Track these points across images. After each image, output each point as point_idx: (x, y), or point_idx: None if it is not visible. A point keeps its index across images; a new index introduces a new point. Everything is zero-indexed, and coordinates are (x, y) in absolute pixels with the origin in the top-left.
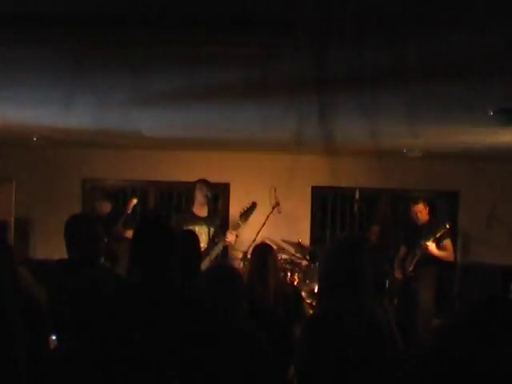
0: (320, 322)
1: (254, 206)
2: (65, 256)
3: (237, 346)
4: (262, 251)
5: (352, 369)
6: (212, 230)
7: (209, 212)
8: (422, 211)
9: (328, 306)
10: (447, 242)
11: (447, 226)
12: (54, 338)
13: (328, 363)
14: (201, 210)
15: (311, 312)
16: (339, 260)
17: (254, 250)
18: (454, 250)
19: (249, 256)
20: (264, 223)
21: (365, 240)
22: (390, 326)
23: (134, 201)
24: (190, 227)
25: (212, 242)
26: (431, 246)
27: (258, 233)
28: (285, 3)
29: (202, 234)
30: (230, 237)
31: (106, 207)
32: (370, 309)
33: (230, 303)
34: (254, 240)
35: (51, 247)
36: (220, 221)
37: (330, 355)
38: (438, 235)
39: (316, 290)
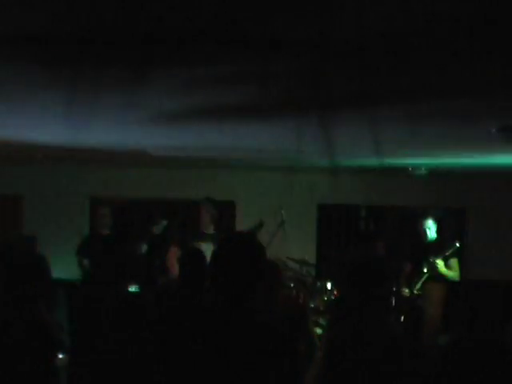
0: (343, 340)
1: (261, 224)
2: (72, 273)
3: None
4: (269, 268)
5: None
6: None
7: (215, 229)
8: (430, 228)
9: (350, 324)
10: (454, 262)
11: (457, 245)
12: (61, 356)
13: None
14: (207, 227)
15: (316, 329)
16: (361, 280)
17: None
18: (460, 269)
19: None
20: (270, 242)
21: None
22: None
23: (164, 222)
24: (196, 243)
25: None
26: (440, 264)
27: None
28: (282, 22)
29: (208, 250)
30: None
31: (103, 212)
32: (392, 327)
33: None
34: None
35: (59, 265)
36: None
37: (356, 374)
38: (447, 253)
39: (329, 308)
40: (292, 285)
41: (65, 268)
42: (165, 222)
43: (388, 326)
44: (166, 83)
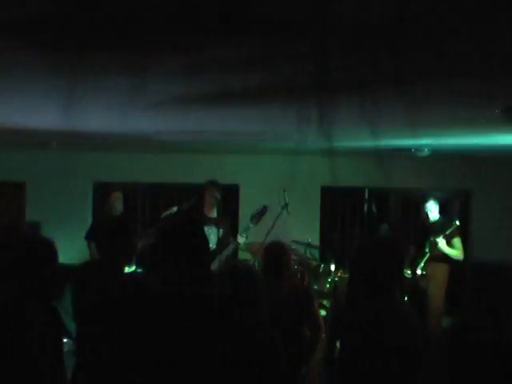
0: (361, 321)
1: (265, 209)
2: (75, 258)
3: (251, 345)
4: (275, 250)
5: (392, 365)
6: (221, 231)
7: (218, 213)
8: (432, 210)
9: (366, 305)
10: (457, 241)
11: (457, 224)
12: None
13: (370, 360)
14: (210, 211)
15: (321, 311)
16: (378, 261)
17: (267, 248)
18: (463, 249)
19: (259, 256)
20: (273, 224)
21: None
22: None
23: (175, 209)
24: None
25: (221, 244)
26: (441, 242)
27: (268, 234)
28: (284, 4)
29: (211, 234)
30: (241, 239)
31: (115, 197)
32: (405, 307)
33: (252, 302)
34: (264, 241)
35: (63, 250)
36: (230, 222)
37: (372, 354)
38: (448, 232)
39: (347, 289)
40: (296, 267)
41: (67, 253)
42: (175, 208)
43: (404, 307)
44: (167, 67)
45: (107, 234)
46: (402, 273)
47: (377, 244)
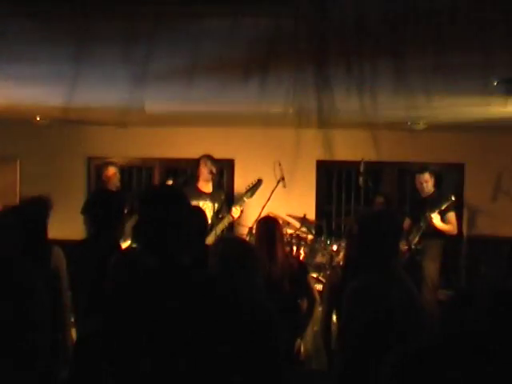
0: (364, 291)
1: (259, 182)
2: (69, 234)
3: (247, 318)
4: (268, 224)
5: (394, 335)
6: (216, 205)
7: (213, 187)
8: (427, 182)
9: (367, 276)
10: (451, 215)
11: (452, 199)
12: None
13: (374, 330)
14: (205, 185)
15: (316, 286)
16: (377, 233)
17: (259, 222)
18: (458, 224)
19: (254, 231)
20: (269, 198)
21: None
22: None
23: (170, 182)
24: (195, 203)
25: (216, 218)
26: (436, 218)
27: (263, 208)
28: None
29: (206, 209)
30: (236, 212)
31: (112, 172)
32: (404, 279)
33: (245, 276)
34: (259, 215)
35: (56, 226)
36: (225, 196)
37: (377, 323)
38: (443, 207)
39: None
40: (292, 241)
41: (62, 229)
42: (170, 181)
43: (405, 280)
44: (161, 38)
45: (103, 209)
46: (398, 245)
47: (374, 217)
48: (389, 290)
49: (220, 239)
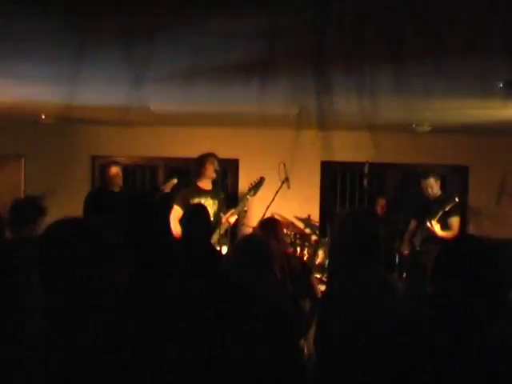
0: (342, 292)
1: (262, 180)
2: None
3: (264, 317)
4: (269, 225)
5: (373, 337)
6: (216, 202)
7: (213, 185)
8: (433, 186)
9: (347, 276)
10: (455, 220)
11: (456, 200)
12: None
13: (351, 332)
14: (205, 183)
15: (320, 286)
16: (357, 229)
17: (260, 223)
18: (460, 228)
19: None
20: (273, 199)
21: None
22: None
23: (175, 181)
24: (195, 200)
25: (217, 217)
26: (436, 226)
27: (267, 208)
28: None
29: (208, 206)
30: (231, 219)
31: (115, 171)
32: (386, 277)
33: (262, 272)
34: (263, 215)
35: None
36: (227, 196)
37: (354, 325)
38: (446, 209)
39: (328, 261)
40: (296, 242)
41: None
42: (175, 180)
43: (385, 280)
44: (166, 39)
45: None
46: (376, 246)
47: (347, 216)
48: (361, 292)
49: (241, 238)
